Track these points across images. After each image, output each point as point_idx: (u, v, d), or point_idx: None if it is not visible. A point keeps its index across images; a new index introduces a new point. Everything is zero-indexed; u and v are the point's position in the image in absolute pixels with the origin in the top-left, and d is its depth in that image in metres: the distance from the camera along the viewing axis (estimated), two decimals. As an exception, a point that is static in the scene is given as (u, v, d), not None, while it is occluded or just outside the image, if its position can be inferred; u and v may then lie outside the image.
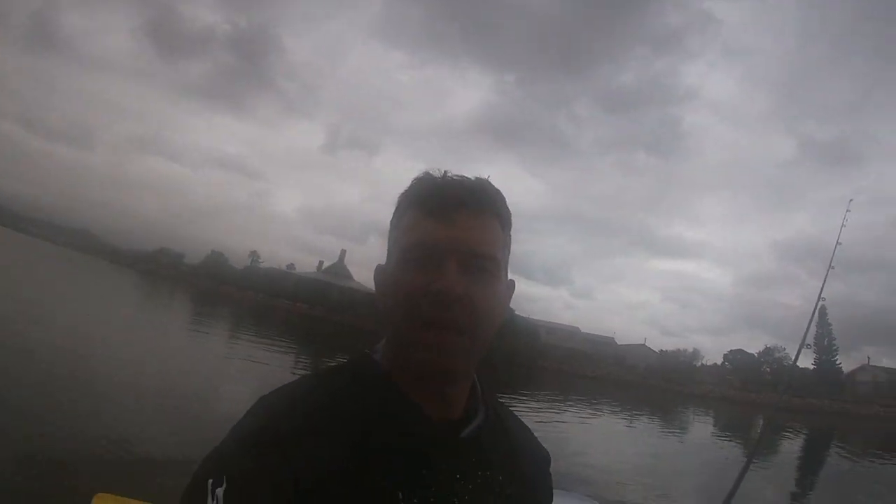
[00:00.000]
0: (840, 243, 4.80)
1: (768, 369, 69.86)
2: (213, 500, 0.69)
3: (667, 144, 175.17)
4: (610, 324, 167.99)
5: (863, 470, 18.91)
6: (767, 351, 72.93)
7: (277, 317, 50.19)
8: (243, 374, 15.56)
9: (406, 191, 0.89)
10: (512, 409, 1.03)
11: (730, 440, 23.00)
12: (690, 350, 75.23)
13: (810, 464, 18.14)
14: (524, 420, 1.04)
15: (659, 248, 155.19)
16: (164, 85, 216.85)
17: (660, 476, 12.45)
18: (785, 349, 71.73)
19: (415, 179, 0.88)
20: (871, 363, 68.73)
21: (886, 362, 73.11)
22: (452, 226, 0.82)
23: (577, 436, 16.14)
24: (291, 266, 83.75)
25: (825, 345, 65.53)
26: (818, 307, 4.46)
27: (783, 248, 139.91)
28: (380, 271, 0.91)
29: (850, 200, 4.97)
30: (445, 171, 0.88)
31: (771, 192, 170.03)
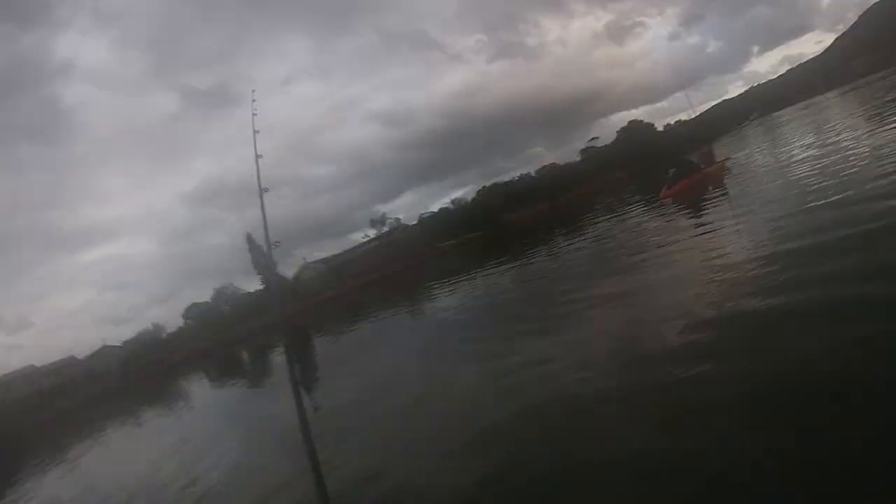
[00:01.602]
0: (258, 131, 5.11)
1: (227, 307, 73.35)
2: None
3: (51, 128, 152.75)
4: (62, 342, 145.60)
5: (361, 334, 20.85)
6: (218, 293, 76.16)
7: None
8: None
9: None
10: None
11: (230, 384, 22.92)
12: (151, 327, 73.80)
13: (305, 358, 19.07)
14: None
15: (75, 241, 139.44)
16: None
17: (202, 456, 10.50)
18: (232, 283, 76.14)
19: None
20: (307, 262, 79.57)
21: (318, 255, 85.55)
22: None
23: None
24: None
25: (264, 265, 71.96)
26: (263, 210, 4.50)
27: (192, 196, 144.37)
28: None
29: (254, 91, 5.38)
30: None
31: (166, 149, 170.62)
